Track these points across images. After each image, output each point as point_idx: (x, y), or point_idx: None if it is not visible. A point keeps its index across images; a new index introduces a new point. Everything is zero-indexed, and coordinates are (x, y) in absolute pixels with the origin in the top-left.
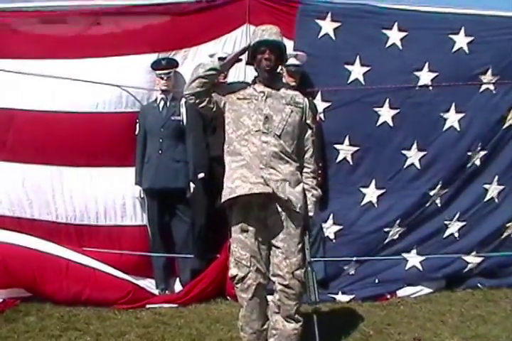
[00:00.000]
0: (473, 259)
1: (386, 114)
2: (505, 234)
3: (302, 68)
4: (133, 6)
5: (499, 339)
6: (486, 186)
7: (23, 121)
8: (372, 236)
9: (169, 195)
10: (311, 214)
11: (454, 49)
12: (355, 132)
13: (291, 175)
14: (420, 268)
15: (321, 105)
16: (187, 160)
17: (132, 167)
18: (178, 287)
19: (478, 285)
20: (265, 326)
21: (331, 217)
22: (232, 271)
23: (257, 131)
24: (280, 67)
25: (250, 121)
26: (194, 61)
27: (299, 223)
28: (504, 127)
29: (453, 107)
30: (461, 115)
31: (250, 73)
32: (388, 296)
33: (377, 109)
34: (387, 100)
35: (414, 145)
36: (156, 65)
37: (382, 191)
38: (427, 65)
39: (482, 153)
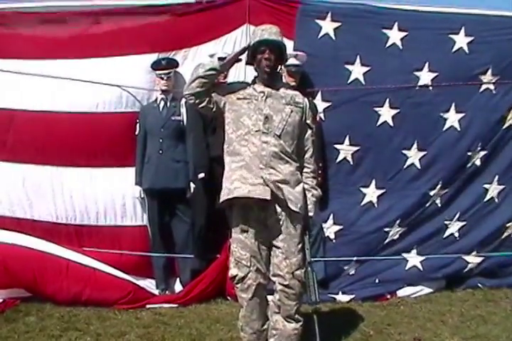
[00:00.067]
0: (473, 259)
1: (386, 114)
2: (505, 234)
3: (302, 68)
4: (133, 6)
5: (499, 339)
6: (486, 186)
7: (23, 121)
8: (372, 236)
9: (169, 195)
10: (311, 214)
11: (454, 49)
12: (355, 132)
13: (291, 175)
14: (420, 268)
15: (321, 105)
16: (187, 161)
17: (132, 167)
18: (178, 287)
19: (479, 285)
20: (265, 326)
21: (331, 217)
22: (232, 271)
23: (257, 131)
24: (280, 67)
25: (250, 121)
26: (194, 61)
27: (299, 223)
28: (504, 127)
29: (453, 107)
30: (461, 115)
31: (250, 73)
32: (388, 296)
33: (377, 109)
34: (388, 100)
35: (415, 145)
36: (156, 65)
37: (382, 191)
38: (427, 64)
39: (482, 153)
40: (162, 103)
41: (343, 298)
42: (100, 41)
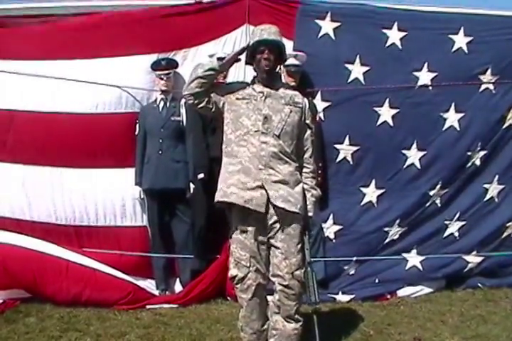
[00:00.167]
0: (473, 259)
1: (386, 114)
2: (505, 234)
3: (302, 68)
4: (133, 7)
5: (499, 339)
6: (486, 186)
7: (23, 121)
8: (372, 236)
9: (169, 195)
10: (310, 214)
11: (454, 49)
12: (355, 132)
13: (290, 175)
14: (420, 268)
15: (321, 105)
16: (187, 161)
17: (132, 167)
18: (178, 287)
19: (479, 284)
20: (265, 326)
21: (331, 216)
22: (232, 272)
23: (256, 131)
24: (279, 67)
25: (249, 122)
26: (194, 61)
27: (298, 223)
28: (504, 127)
29: (453, 107)
30: (461, 115)
31: (250, 73)
32: (388, 296)
33: (377, 109)
34: (387, 100)
35: (414, 145)
36: (155, 66)
37: (382, 191)
38: (426, 64)
39: (482, 152)
40: (162, 103)
41: (343, 298)
42: (100, 41)
